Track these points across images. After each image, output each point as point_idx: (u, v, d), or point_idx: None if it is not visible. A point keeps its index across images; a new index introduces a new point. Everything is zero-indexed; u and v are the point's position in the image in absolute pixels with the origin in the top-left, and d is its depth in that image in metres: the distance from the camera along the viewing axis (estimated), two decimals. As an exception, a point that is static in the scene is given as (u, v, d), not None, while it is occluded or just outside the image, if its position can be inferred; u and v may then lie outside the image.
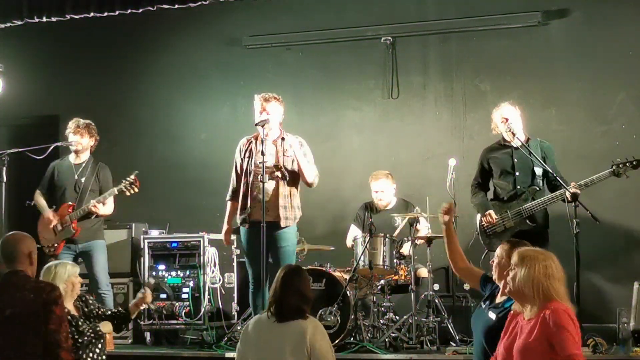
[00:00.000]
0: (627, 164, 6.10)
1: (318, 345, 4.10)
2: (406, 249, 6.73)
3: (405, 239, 6.76)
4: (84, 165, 6.86)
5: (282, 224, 6.12)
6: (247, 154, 6.27)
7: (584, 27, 7.61)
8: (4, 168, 6.60)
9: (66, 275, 5.00)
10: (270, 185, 6.11)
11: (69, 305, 4.98)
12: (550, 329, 3.53)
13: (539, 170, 6.34)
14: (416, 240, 6.57)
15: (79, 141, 6.83)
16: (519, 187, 6.36)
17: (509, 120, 6.34)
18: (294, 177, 6.24)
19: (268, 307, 4.29)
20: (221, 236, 6.54)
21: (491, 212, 6.35)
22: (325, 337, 4.22)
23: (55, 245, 6.70)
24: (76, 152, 6.89)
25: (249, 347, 4.26)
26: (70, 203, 6.76)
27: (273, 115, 6.21)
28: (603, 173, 6.13)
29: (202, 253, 6.96)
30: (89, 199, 6.73)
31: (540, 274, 3.63)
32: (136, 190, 6.73)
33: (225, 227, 6.42)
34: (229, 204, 6.42)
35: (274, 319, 4.21)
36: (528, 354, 3.59)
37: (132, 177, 6.72)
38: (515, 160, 6.38)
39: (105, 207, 6.81)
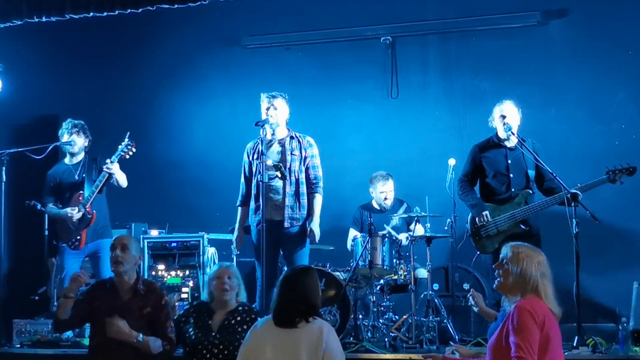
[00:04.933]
0: (624, 171, 6.10)
1: (331, 347, 4.09)
2: (403, 236, 6.74)
3: (403, 235, 6.77)
4: (81, 164, 6.86)
5: (286, 224, 6.14)
6: (254, 156, 6.27)
7: (583, 27, 7.62)
8: (4, 168, 6.60)
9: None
10: (280, 185, 6.13)
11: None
12: (509, 326, 3.56)
13: (531, 173, 6.34)
14: (413, 237, 6.55)
15: (75, 142, 6.83)
16: (513, 189, 6.34)
17: (506, 118, 6.34)
18: (303, 178, 6.24)
19: (273, 311, 4.24)
20: (222, 236, 6.53)
21: (487, 213, 6.32)
22: (338, 340, 4.22)
23: (79, 237, 6.66)
24: (71, 153, 6.88)
25: (260, 351, 4.17)
26: (79, 192, 6.74)
27: (280, 114, 6.22)
28: (598, 179, 6.12)
29: (201, 253, 6.97)
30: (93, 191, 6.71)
31: (535, 271, 3.65)
32: (133, 150, 6.69)
33: (236, 232, 6.41)
34: (239, 209, 6.43)
35: (280, 324, 4.16)
36: (494, 351, 3.60)
37: (127, 139, 6.69)
38: (510, 161, 6.36)
39: (119, 175, 6.72)
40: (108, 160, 6.64)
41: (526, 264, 3.66)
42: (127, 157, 6.71)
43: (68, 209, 6.69)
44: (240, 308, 5.04)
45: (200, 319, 5.00)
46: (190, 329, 4.96)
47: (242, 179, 6.42)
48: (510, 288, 3.70)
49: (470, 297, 5.20)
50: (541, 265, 3.67)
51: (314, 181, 6.30)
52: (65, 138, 6.84)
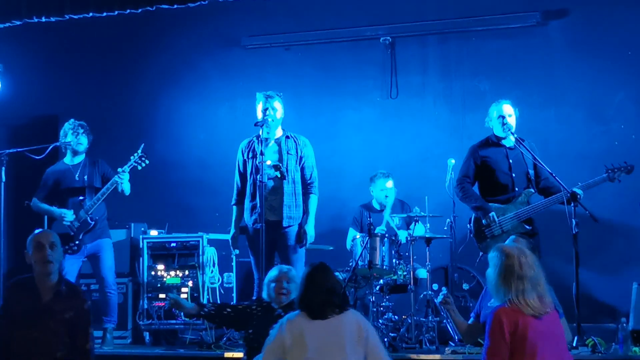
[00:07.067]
0: (622, 169, 6.13)
1: (374, 336, 4.18)
2: (402, 235, 6.72)
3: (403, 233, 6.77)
4: (82, 165, 6.86)
5: (285, 223, 6.15)
6: (250, 154, 6.29)
7: (582, 27, 7.61)
8: (3, 168, 6.59)
9: None
10: (276, 185, 6.14)
11: None
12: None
13: (531, 172, 6.34)
14: (413, 238, 6.54)
15: (82, 142, 6.83)
16: (517, 189, 6.34)
17: (504, 118, 6.35)
18: (298, 177, 6.26)
19: (300, 306, 4.26)
20: (221, 236, 6.53)
21: (494, 214, 6.28)
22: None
23: (77, 242, 6.66)
24: (75, 152, 6.88)
25: (300, 350, 4.14)
26: (80, 198, 6.75)
27: (277, 114, 6.25)
28: (597, 178, 6.15)
29: (201, 253, 6.97)
30: (95, 195, 6.71)
31: (500, 275, 3.68)
32: (147, 162, 6.72)
33: (233, 231, 6.43)
34: (235, 208, 6.44)
35: (315, 317, 4.17)
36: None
37: (140, 151, 6.70)
38: (511, 161, 6.36)
39: (127, 184, 6.73)
40: (120, 170, 6.63)
41: (495, 269, 3.72)
42: (139, 167, 6.72)
43: (63, 210, 6.69)
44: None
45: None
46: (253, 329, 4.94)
47: (237, 178, 6.42)
48: (491, 289, 3.79)
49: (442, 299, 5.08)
50: (510, 266, 3.70)
51: (310, 181, 6.32)
52: (70, 137, 6.81)
